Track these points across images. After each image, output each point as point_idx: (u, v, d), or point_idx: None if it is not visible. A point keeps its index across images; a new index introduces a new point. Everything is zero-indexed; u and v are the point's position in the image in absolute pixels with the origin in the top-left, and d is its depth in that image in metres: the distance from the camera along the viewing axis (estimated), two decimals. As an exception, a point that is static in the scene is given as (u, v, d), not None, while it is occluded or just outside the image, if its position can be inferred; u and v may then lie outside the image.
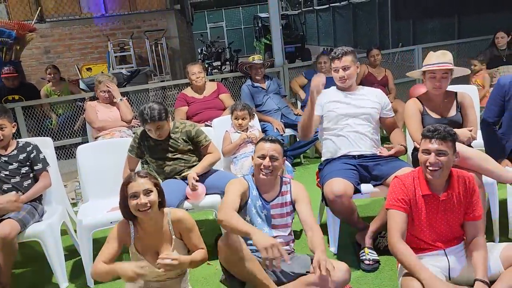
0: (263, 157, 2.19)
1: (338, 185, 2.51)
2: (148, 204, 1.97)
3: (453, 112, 2.73)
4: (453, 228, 2.08)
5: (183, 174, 2.87)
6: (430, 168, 1.98)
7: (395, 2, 12.67)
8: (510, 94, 2.67)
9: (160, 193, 2.06)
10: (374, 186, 2.69)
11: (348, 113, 2.79)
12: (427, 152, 2.00)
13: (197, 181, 2.77)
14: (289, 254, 2.25)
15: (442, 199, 2.02)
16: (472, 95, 2.91)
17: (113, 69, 7.35)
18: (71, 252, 3.11)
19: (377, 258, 2.58)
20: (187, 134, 2.90)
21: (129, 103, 4.59)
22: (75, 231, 2.97)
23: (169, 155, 2.86)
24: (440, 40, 7.71)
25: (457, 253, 2.08)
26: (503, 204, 2.82)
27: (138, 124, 4.07)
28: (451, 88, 2.82)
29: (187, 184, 2.79)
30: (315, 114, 2.77)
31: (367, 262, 2.54)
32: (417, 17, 11.85)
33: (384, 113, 2.88)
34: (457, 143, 2.43)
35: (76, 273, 2.89)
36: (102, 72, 5.89)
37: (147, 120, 2.70)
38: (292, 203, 2.28)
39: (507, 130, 2.72)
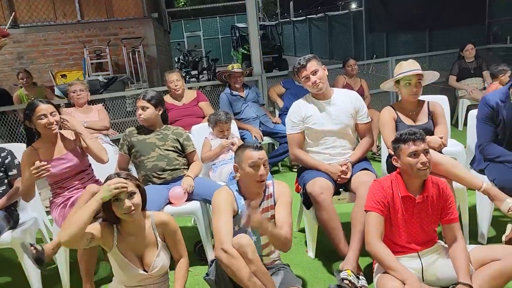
0: (257, 165, 2.10)
1: (322, 181, 2.63)
2: (133, 207, 1.97)
3: (425, 120, 2.84)
4: (426, 230, 2.15)
5: (164, 176, 2.87)
6: (423, 168, 2.04)
7: (369, 15, 13.04)
8: (499, 117, 2.69)
9: (143, 194, 2.05)
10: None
11: (326, 130, 2.80)
12: (415, 154, 2.05)
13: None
14: (275, 261, 2.27)
15: (417, 201, 2.10)
16: (443, 105, 3.03)
17: (89, 76, 7.26)
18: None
19: (358, 284, 2.35)
20: (178, 135, 3.01)
21: (106, 110, 4.56)
22: (51, 239, 2.92)
23: (156, 149, 2.89)
24: (412, 53, 7.97)
25: (430, 256, 2.16)
26: (472, 209, 2.94)
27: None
28: (423, 97, 2.94)
29: (168, 189, 2.82)
30: (298, 132, 2.84)
31: (346, 282, 2.30)
32: (391, 30, 12.22)
33: (359, 118, 2.88)
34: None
35: (52, 281, 2.83)
36: (78, 79, 5.82)
37: (139, 98, 2.93)
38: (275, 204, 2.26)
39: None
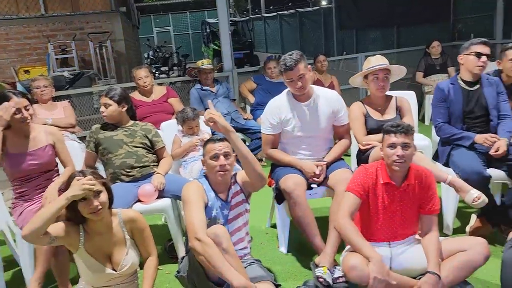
0: (216, 156, 2.15)
1: (295, 177, 2.63)
2: (100, 206, 1.92)
3: (393, 114, 2.90)
4: (406, 220, 2.18)
5: (133, 174, 2.81)
6: (398, 160, 2.07)
7: (339, 12, 13.18)
8: (449, 98, 2.88)
9: (109, 191, 2.00)
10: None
11: (303, 135, 2.78)
12: (393, 146, 2.09)
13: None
14: (245, 256, 2.27)
15: (400, 189, 2.14)
16: (410, 100, 3.10)
17: (53, 72, 7.02)
18: (10, 263, 2.93)
19: (330, 282, 2.36)
20: (146, 131, 2.96)
21: (72, 107, 4.42)
22: (14, 240, 2.81)
23: (124, 146, 2.83)
24: (380, 49, 8.11)
25: (401, 247, 2.20)
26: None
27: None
28: (391, 93, 2.99)
29: (137, 186, 2.77)
30: (275, 134, 2.80)
31: (321, 280, 2.33)
32: (360, 27, 12.41)
33: (337, 120, 2.83)
34: None
35: (16, 284, 2.73)
36: (42, 74, 5.62)
37: (101, 94, 2.87)
38: (245, 196, 2.29)
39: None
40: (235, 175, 2.30)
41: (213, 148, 2.17)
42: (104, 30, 7.76)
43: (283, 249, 2.89)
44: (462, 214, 3.05)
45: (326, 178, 2.73)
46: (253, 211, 2.31)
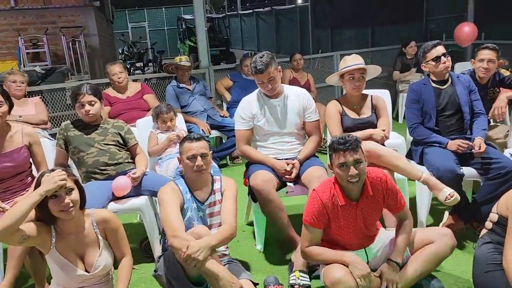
0: (193, 157, 2.15)
1: (264, 174, 2.65)
2: (71, 204, 1.87)
3: (368, 113, 2.93)
4: (370, 229, 2.21)
5: (108, 172, 2.75)
6: (353, 180, 2.00)
7: (314, 11, 13.28)
8: (421, 98, 2.94)
9: (81, 191, 1.96)
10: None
11: (274, 131, 2.83)
12: (344, 165, 1.99)
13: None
14: (224, 255, 2.27)
15: (359, 204, 2.11)
16: (385, 99, 3.14)
17: (24, 67, 6.80)
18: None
19: (309, 283, 2.41)
20: (118, 128, 2.89)
21: (44, 103, 4.30)
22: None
23: (95, 145, 2.76)
24: (355, 48, 8.22)
25: (375, 248, 2.23)
26: (412, 199, 3.08)
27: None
28: (366, 91, 3.03)
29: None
30: (248, 129, 2.85)
31: (296, 287, 2.38)
32: (335, 26, 12.54)
33: (307, 116, 2.88)
34: (371, 142, 2.62)
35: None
36: (12, 69, 5.43)
37: (82, 92, 2.72)
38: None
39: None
40: (220, 181, 2.29)
41: (190, 148, 2.17)
42: (77, 25, 7.58)
43: (260, 246, 2.89)
44: (436, 211, 3.12)
45: (300, 176, 2.74)
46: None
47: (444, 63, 2.87)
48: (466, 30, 3.63)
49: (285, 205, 2.69)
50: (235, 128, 2.93)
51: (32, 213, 1.88)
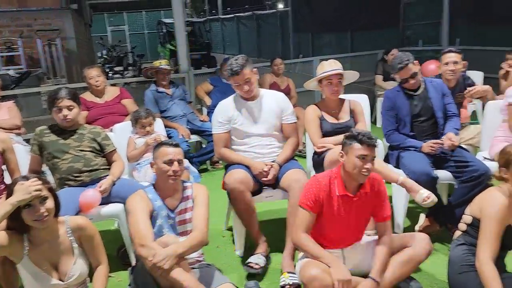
0: (170, 162, 2.15)
1: (239, 173, 2.64)
2: (46, 213, 1.82)
3: (346, 118, 2.96)
4: (359, 226, 2.23)
5: (82, 178, 2.69)
6: (366, 173, 2.05)
7: (295, 15, 13.38)
8: (396, 105, 2.99)
9: (55, 198, 1.91)
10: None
11: (252, 132, 2.82)
12: (364, 158, 2.04)
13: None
14: (198, 261, 2.24)
15: (355, 198, 2.14)
16: (362, 103, 3.18)
17: (-2, 70, 6.66)
18: None
19: (298, 282, 2.41)
20: (95, 134, 2.83)
21: (18, 108, 4.19)
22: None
23: (70, 151, 2.70)
24: (335, 53, 8.32)
25: (353, 252, 2.25)
26: (390, 201, 3.12)
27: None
28: (344, 96, 3.06)
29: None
30: (225, 132, 2.84)
31: (287, 287, 2.43)
32: (315, 31, 12.66)
33: (284, 118, 2.89)
34: None
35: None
36: (-15, 73, 5.31)
37: (61, 96, 2.67)
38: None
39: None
40: (191, 188, 2.26)
41: (168, 152, 2.15)
42: (53, 28, 7.44)
43: (239, 252, 2.88)
44: (412, 213, 3.17)
45: (279, 180, 2.74)
46: (210, 214, 2.28)
47: (415, 81, 2.93)
48: (431, 68, 3.82)
49: (266, 210, 2.70)
50: (212, 132, 2.93)
51: (4, 222, 1.83)
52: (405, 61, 2.89)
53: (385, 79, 6.06)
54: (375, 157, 2.09)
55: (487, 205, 1.99)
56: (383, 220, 2.20)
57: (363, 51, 7.57)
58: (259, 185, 2.76)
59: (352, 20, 10.66)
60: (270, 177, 2.71)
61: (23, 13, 7.42)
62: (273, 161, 2.80)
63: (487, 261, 1.91)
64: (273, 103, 2.88)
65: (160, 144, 2.23)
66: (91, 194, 2.57)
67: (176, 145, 2.21)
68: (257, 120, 2.83)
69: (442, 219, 2.88)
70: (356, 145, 2.06)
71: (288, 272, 2.48)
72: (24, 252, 1.86)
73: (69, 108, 2.70)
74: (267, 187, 2.81)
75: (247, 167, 2.73)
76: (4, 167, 2.61)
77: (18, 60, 7.21)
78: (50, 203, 1.86)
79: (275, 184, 2.78)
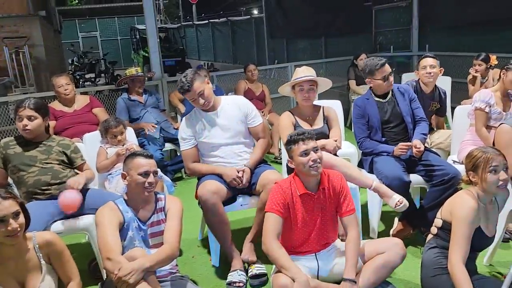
0: (146, 173, 2.10)
1: (211, 184, 2.61)
2: (19, 228, 1.76)
3: (320, 124, 2.98)
4: (326, 226, 2.24)
5: (50, 191, 2.59)
6: (314, 165, 2.11)
7: (270, 22, 13.47)
8: (366, 113, 3.02)
9: (25, 212, 1.85)
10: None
11: (218, 142, 2.79)
12: (306, 152, 2.12)
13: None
14: (171, 273, 2.20)
15: (316, 196, 2.18)
16: (336, 110, 3.21)
17: (-38, 79, 6.41)
18: None
19: (265, 271, 2.61)
20: (64, 147, 2.74)
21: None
22: None
23: (37, 164, 2.60)
24: (309, 59, 8.40)
25: (327, 256, 2.26)
26: (364, 206, 3.15)
27: None
28: (318, 102, 3.08)
29: (55, 203, 2.54)
30: (192, 147, 2.83)
31: (255, 277, 2.56)
32: (290, 37, 12.78)
33: (249, 122, 2.87)
34: (324, 152, 2.66)
35: None
36: None
37: (23, 105, 2.59)
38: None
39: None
40: (164, 199, 2.23)
41: (143, 164, 2.13)
42: (20, 35, 7.24)
43: (215, 262, 2.84)
44: (386, 217, 3.20)
45: (254, 184, 2.72)
46: (185, 223, 2.24)
47: (391, 82, 3.00)
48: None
49: (240, 218, 2.67)
50: (180, 149, 2.92)
51: None
52: (382, 61, 2.97)
53: (357, 84, 6.15)
54: (316, 147, 2.16)
55: (457, 208, 2.02)
56: (347, 214, 2.22)
57: (336, 57, 7.66)
58: (233, 192, 2.72)
59: (325, 26, 10.81)
60: (244, 182, 2.69)
61: (-11, 20, 7.22)
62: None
63: (458, 264, 1.94)
64: (235, 109, 2.85)
65: (134, 154, 2.18)
66: (71, 195, 2.49)
67: (151, 157, 2.17)
68: (221, 130, 2.80)
69: (415, 223, 2.92)
70: (294, 146, 2.16)
71: (254, 263, 2.61)
72: None
73: (30, 118, 2.59)
74: (241, 194, 2.78)
75: (219, 176, 2.70)
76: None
77: (-16, 68, 6.99)
78: (22, 218, 1.80)
79: (249, 189, 2.75)
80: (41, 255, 1.89)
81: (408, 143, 2.89)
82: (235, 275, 2.57)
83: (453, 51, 6.79)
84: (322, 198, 2.20)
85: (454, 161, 3.16)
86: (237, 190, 2.73)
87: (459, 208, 2.01)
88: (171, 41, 16.54)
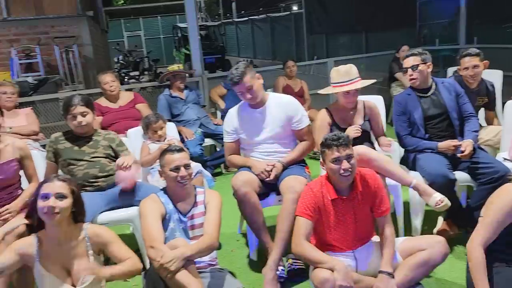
0: (177, 168, 2.16)
1: (243, 174, 2.64)
2: (57, 210, 1.85)
3: (360, 121, 2.91)
4: (361, 225, 2.20)
5: (98, 184, 2.71)
6: (345, 174, 2.06)
7: (309, 17, 13.34)
8: (408, 109, 2.93)
9: (77, 203, 1.96)
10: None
11: (257, 141, 2.81)
12: (338, 159, 2.06)
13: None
14: (211, 265, 2.25)
15: (349, 199, 2.14)
16: (378, 105, 3.13)
17: (17, 77, 6.79)
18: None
19: (303, 265, 2.59)
20: (110, 140, 2.86)
21: (36, 114, 4.28)
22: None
23: (85, 157, 2.73)
24: (350, 54, 8.24)
25: (364, 252, 2.22)
26: (407, 204, 3.06)
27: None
28: (359, 98, 3.00)
29: (103, 195, 2.68)
30: (233, 141, 2.87)
31: (293, 271, 2.56)
32: (330, 32, 12.60)
33: (294, 125, 2.82)
34: (362, 146, 2.60)
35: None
36: (5, 80, 5.41)
37: (74, 103, 2.69)
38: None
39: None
40: (203, 193, 2.28)
41: (173, 159, 2.18)
42: (70, 35, 7.57)
43: (254, 256, 2.86)
44: (430, 216, 3.10)
45: (279, 182, 2.68)
46: (224, 218, 2.29)
47: (411, 75, 2.88)
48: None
49: (276, 214, 2.65)
50: (223, 140, 2.97)
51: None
52: (412, 51, 2.91)
53: (395, 79, 5.96)
54: (350, 154, 2.08)
55: (497, 197, 1.92)
56: (381, 214, 2.19)
57: (378, 51, 7.47)
58: (265, 187, 2.72)
59: (367, 21, 10.57)
60: (272, 176, 2.67)
61: (41, 21, 7.57)
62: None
63: (479, 247, 1.87)
64: (280, 110, 2.80)
65: (165, 151, 2.25)
66: (123, 173, 2.65)
67: (180, 150, 2.22)
68: (262, 130, 2.79)
69: (461, 223, 2.81)
70: (327, 151, 2.10)
71: (293, 259, 2.58)
72: (35, 257, 1.89)
73: (83, 114, 2.73)
74: (273, 191, 2.76)
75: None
76: (21, 172, 2.66)
77: (36, 67, 7.35)
78: (65, 203, 1.89)
79: (276, 186, 2.72)
80: (89, 244, 1.98)
81: (458, 142, 2.76)
82: None
83: (504, 43, 6.44)
84: (356, 201, 2.15)
85: (505, 159, 3.01)
86: (269, 185, 2.72)
87: (499, 196, 1.91)
88: (212, 38, 16.74)
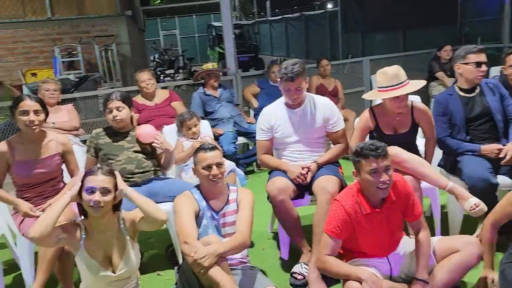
0: (209, 166, 2.17)
1: (279, 181, 2.61)
2: (101, 204, 1.93)
3: (406, 128, 2.73)
4: (395, 233, 2.15)
5: (134, 179, 2.79)
6: (383, 186, 1.96)
7: (344, 15, 13.17)
8: (449, 109, 2.82)
9: (118, 196, 2.03)
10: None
11: (292, 140, 2.78)
12: (377, 171, 1.95)
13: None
14: (242, 262, 2.27)
15: (383, 213, 2.06)
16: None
17: (60, 75, 7.06)
18: (11, 267, 2.93)
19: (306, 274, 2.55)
20: None
21: (77, 110, 4.44)
22: (15, 243, 2.80)
23: (124, 152, 2.81)
24: (386, 53, 8.07)
25: (398, 256, 2.18)
26: (445, 207, 2.97)
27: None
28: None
29: (139, 191, 2.72)
30: (266, 140, 2.84)
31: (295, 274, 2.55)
32: (365, 30, 12.38)
33: (329, 127, 2.79)
34: (395, 147, 2.52)
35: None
36: (49, 77, 5.65)
37: (112, 98, 2.80)
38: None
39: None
40: (236, 191, 2.30)
41: (205, 158, 2.19)
42: (109, 34, 7.81)
43: (285, 255, 2.86)
44: (469, 221, 2.99)
45: (312, 182, 2.65)
46: (256, 216, 2.29)
47: (483, 72, 2.75)
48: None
49: (311, 213, 2.63)
50: (256, 138, 2.94)
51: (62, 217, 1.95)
52: (480, 47, 2.76)
53: (435, 78, 5.76)
54: (388, 166, 1.97)
55: None
56: (415, 219, 2.13)
57: (416, 50, 7.26)
58: (299, 188, 2.69)
59: (404, 18, 10.31)
60: (308, 179, 2.65)
61: (82, 20, 7.85)
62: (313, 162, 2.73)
63: (494, 225, 2.00)
64: (317, 113, 2.76)
65: (198, 149, 2.27)
66: (144, 127, 2.88)
67: (213, 148, 2.23)
68: (298, 130, 2.77)
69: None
70: (363, 161, 1.98)
71: (304, 263, 2.56)
72: (80, 242, 1.97)
73: (118, 109, 2.81)
74: (306, 191, 2.74)
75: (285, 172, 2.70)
76: (63, 167, 2.77)
77: (78, 65, 7.63)
78: (109, 197, 1.96)
79: (310, 186, 2.69)
80: (126, 232, 2.06)
81: (501, 146, 2.64)
82: (298, 267, 2.58)
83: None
84: (389, 212, 2.07)
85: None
86: (302, 186, 2.69)
87: None
88: (245, 37, 16.81)
